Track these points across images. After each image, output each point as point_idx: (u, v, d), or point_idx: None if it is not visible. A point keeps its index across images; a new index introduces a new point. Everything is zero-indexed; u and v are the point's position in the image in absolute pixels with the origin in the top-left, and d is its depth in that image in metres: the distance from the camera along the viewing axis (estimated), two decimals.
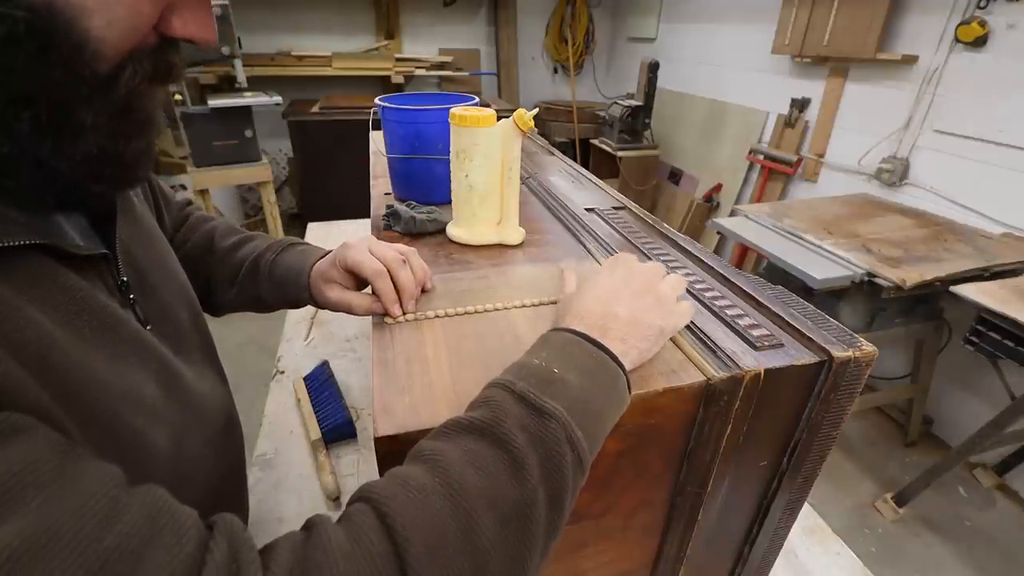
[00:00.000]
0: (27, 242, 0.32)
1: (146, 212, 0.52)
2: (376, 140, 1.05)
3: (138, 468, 0.37)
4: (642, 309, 0.44)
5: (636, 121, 3.48)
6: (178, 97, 2.70)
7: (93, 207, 0.43)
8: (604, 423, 0.39)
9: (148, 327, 0.44)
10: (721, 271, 0.61)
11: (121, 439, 0.35)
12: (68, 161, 0.34)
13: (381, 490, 0.32)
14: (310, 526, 0.31)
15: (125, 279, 0.43)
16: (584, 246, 0.70)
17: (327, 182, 3.52)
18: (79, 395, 0.32)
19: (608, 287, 0.46)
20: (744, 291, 0.57)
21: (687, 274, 0.60)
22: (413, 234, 0.73)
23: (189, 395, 0.45)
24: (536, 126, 0.81)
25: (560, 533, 0.36)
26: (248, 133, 2.98)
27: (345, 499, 0.91)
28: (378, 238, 0.59)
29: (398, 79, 3.88)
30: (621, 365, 0.41)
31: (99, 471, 0.28)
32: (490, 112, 0.63)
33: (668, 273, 0.50)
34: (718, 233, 3.11)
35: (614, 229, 0.75)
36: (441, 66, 4.14)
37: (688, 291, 0.57)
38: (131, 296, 0.43)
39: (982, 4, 1.91)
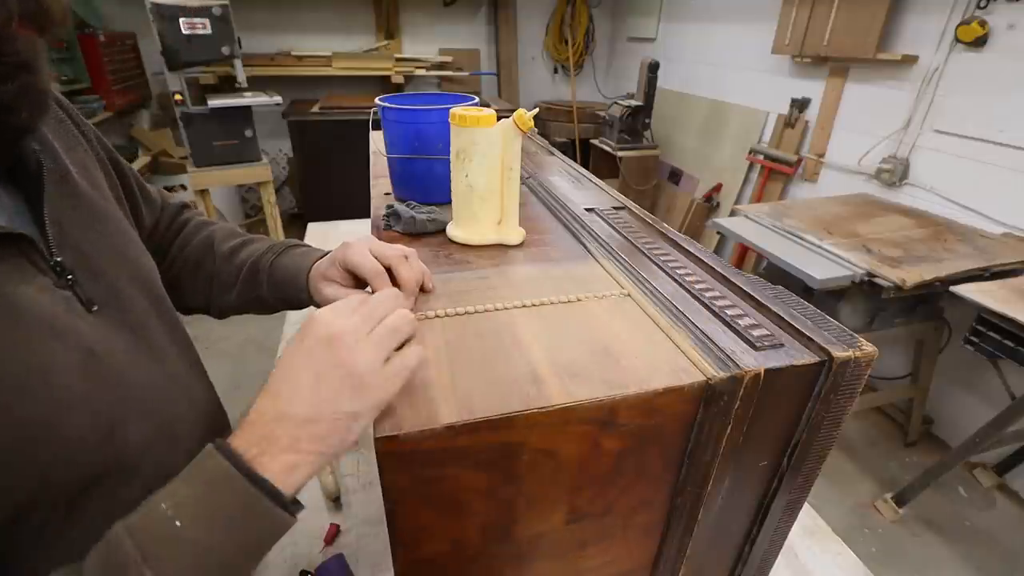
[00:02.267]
0: None
1: (100, 196, 0.51)
2: (376, 140, 1.05)
3: (51, 456, 0.37)
4: (324, 398, 0.37)
5: (636, 121, 3.48)
6: (178, 97, 2.70)
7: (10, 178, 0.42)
8: (241, 566, 0.37)
9: (94, 309, 0.44)
10: (721, 271, 0.61)
11: (14, 428, 0.35)
12: None
13: None
14: None
15: (59, 259, 0.43)
16: (584, 246, 0.69)
17: (327, 182, 3.53)
18: None
19: (286, 374, 0.38)
20: (744, 291, 0.57)
21: (687, 274, 0.60)
22: (413, 234, 0.73)
23: (129, 382, 0.44)
24: (536, 126, 0.81)
25: None
26: (248, 133, 2.98)
27: (345, 499, 0.92)
28: (378, 238, 0.59)
29: (398, 79, 3.88)
30: (277, 494, 0.36)
31: None
32: (490, 112, 0.62)
33: (384, 318, 0.41)
34: (718, 233, 3.11)
35: (614, 229, 0.74)
36: (441, 66, 4.14)
37: (688, 291, 0.57)
38: (69, 277, 0.43)
39: (982, 4, 1.91)
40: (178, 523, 0.34)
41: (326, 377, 0.37)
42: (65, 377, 0.39)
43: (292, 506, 0.38)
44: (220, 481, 0.36)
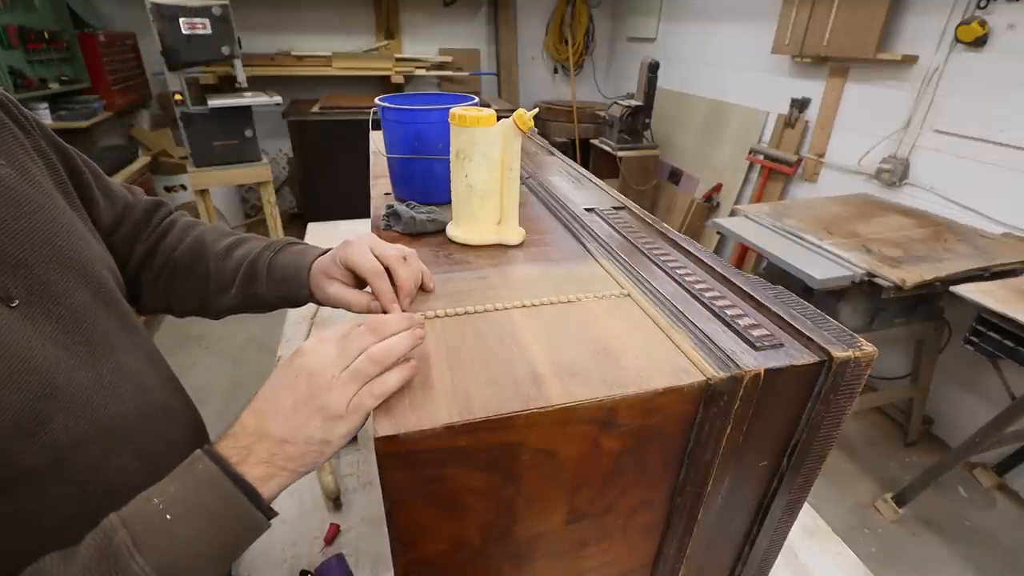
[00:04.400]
0: None
1: (30, 187, 0.49)
2: (376, 140, 1.05)
3: None
4: (298, 424, 0.42)
5: (636, 121, 3.48)
6: (178, 97, 2.70)
7: None
8: (218, 563, 0.41)
9: (13, 304, 0.43)
10: (721, 271, 0.61)
11: None
12: None
13: None
14: None
15: None
16: (584, 246, 0.70)
17: (327, 182, 3.53)
18: None
19: (270, 396, 0.43)
20: (744, 291, 0.57)
21: (687, 274, 0.60)
22: (413, 234, 0.73)
23: (56, 377, 0.44)
24: (536, 126, 0.81)
25: None
26: (248, 133, 2.98)
27: (345, 499, 0.92)
28: (378, 238, 0.59)
29: (398, 79, 3.88)
30: (256, 496, 0.41)
31: None
32: (490, 112, 0.63)
33: (361, 353, 0.43)
34: (718, 233, 3.11)
35: (614, 229, 0.74)
36: (441, 66, 4.14)
37: (688, 291, 0.57)
38: None
39: (982, 4, 1.91)
40: (168, 516, 0.38)
41: (302, 407, 0.42)
42: None
43: (268, 511, 0.43)
44: (208, 482, 0.40)
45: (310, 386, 0.42)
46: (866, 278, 1.65)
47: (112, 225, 0.65)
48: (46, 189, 0.51)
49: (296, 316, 1.43)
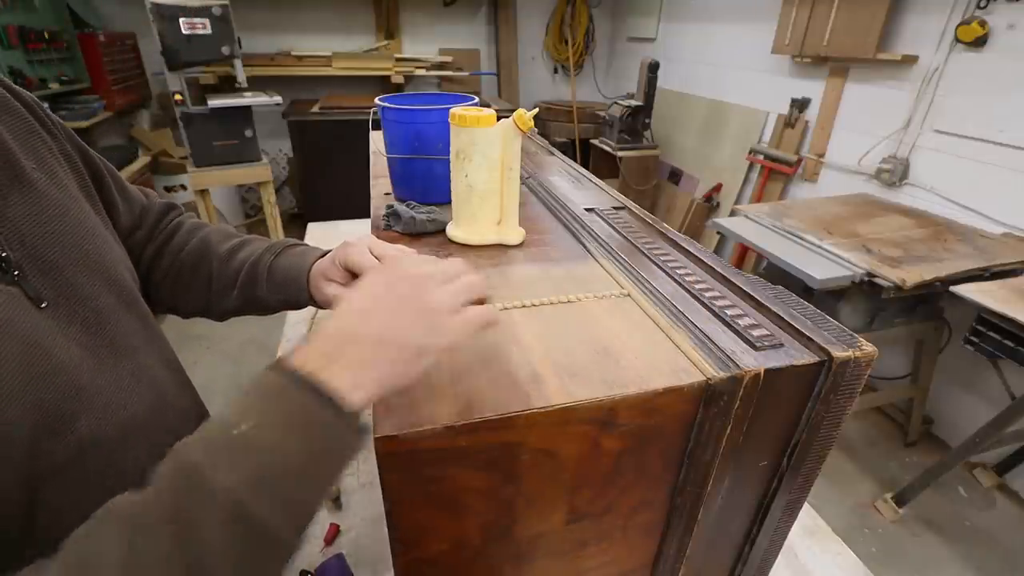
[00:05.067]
0: None
1: (58, 190, 0.50)
2: (376, 140, 1.05)
3: None
4: (400, 325, 0.39)
5: (636, 121, 3.48)
6: (178, 97, 2.70)
7: None
8: (313, 480, 0.37)
9: (43, 305, 0.43)
10: (721, 271, 0.61)
11: None
12: None
13: None
14: None
15: (4, 254, 0.42)
16: (584, 246, 0.70)
17: (327, 182, 3.53)
18: None
19: (361, 301, 0.40)
20: (744, 291, 0.57)
21: (687, 274, 0.60)
22: (413, 234, 0.73)
23: (82, 377, 0.44)
24: (536, 126, 0.81)
25: None
26: (248, 133, 2.98)
27: (345, 499, 0.92)
28: (378, 238, 0.59)
29: (398, 79, 3.88)
30: (339, 406, 0.36)
31: None
32: (490, 112, 0.63)
33: (460, 276, 0.42)
34: (718, 233, 3.11)
35: (614, 229, 0.74)
36: (441, 66, 4.14)
37: (688, 291, 0.57)
38: (16, 273, 0.42)
39: (982, 4, 1.91)
40: (244, 426, 0.35)
41: (405, 307, 0.39)
42: (1, 369, 0.38)
43: (351, 418, 0.37)
44: (274, 393, 0.36)
45: (414, 289, 0.40)
46: (866, 278, 1.65)
47: (130, 228, 0.65)
48: (72, 193, 0.52)
49: (296, 317, 1.43)
